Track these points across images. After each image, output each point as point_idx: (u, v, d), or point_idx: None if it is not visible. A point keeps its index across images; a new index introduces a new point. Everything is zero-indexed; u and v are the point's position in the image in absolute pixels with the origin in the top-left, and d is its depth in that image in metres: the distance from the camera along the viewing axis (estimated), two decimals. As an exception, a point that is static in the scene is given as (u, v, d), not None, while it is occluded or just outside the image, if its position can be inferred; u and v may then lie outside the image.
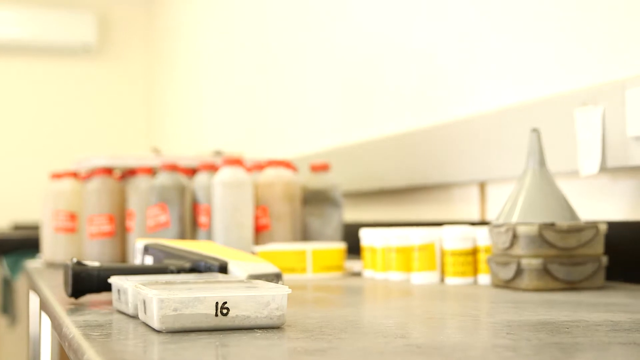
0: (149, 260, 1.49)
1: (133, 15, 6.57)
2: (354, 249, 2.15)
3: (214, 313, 1.01)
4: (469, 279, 1.62)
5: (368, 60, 2.70)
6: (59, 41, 6.18)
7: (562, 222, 1.47)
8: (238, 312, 1.02)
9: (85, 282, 1.33)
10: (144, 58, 6.47)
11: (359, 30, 2.77)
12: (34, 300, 2.74)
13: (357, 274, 1.89)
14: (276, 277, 1.41)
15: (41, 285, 1.74)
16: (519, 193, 1.53)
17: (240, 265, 1.39)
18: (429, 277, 1.65)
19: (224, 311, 1.01)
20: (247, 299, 1.03)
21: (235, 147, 3.71)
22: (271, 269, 1.44)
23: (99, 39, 6.32)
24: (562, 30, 1.81)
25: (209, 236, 2.09)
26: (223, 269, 1.37)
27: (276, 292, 1.04)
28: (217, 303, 1.01)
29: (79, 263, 1.34)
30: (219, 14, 4.50)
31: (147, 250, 1.50)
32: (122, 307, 1.20)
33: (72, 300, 1.37)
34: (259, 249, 1.86)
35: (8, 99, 6.07)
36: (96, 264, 1.35)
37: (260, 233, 2.09)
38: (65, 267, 1.38)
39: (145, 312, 1.05)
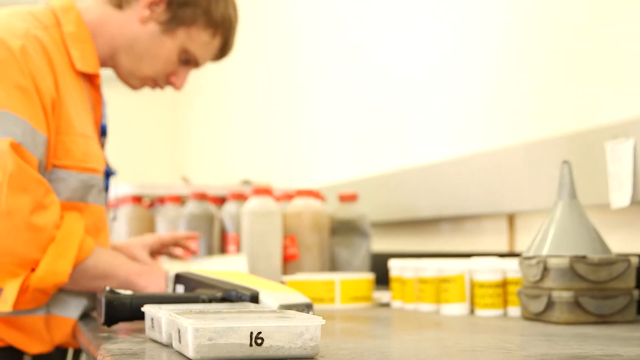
0: (180, 289, 1.50)
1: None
2: (382, 280, 2.15)
3: (249, 343, 1.01)
4: (498, 311, 1.61)
5: (398, 90, 2.71)
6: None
7: (594, 255, 1.46)
8: (272, 342, 1.02)
9: (118, 310, 1.34)
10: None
11: (387, 59, 2.78)
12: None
13: (386, 305, 1.89)
14: (307, 308, 1.42)
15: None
16: (549, 225, 1.52)
17: (272, 295, 1.39)
18: (459, 309, 1.65)
19: (259, 341, 1.02)
20: (281, 329, 1.03)
21: (263, 176, 3.73)
22: (302, 299, 1.44)
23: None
24: (592, 64, 1.81)
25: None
26: (254, 298, 1.37)
27: (310, 323, 1.04)
28: (251, 333, 1.02)
29: (112, 291, 1.35)
30: (245, 43, 4.54)
31: (178, 279, 1.51)
32: (155, 335, 1.21)
33: (105, 327, 1.38)
34: (288, 278, 1.87)
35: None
36: (129, 292, 1.36)
37: (288, 263, 2.09)
38: (98, 295, 1.39)
39: (180, 341, 1.06)
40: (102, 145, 1.83)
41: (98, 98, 1.80)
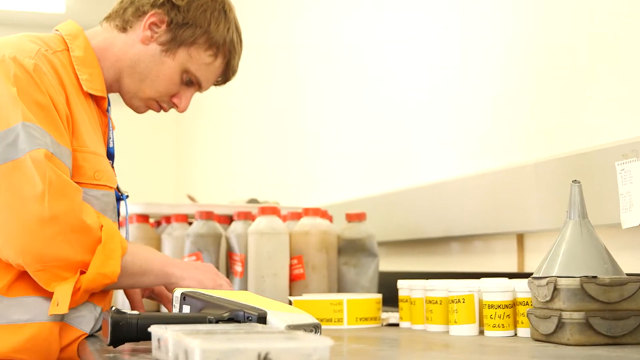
0: (186, 309, 1.48)
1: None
2: (390, 300, 2.13)
3: (256, 364, 1.00)
4: (508, 332, 1.60)
5: (405, 109, 2.70)
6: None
7: (604, 276, 1.44)
8: (280, 364, 1.01)
9: (125, 331, 1.33)
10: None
11: (394, 79, 2.78)
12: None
13: (394, 325, 1.87)
14: (315, 328, 1.40)
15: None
16: (559, 245, 1.51)
17: (279, 315, 1.38)
18: (468, 330, 1.63)
19: (266, 362, 1.00)
20: (289, 351, 1.02)
21: (269, 196, 3.72)
22: (310, 319, 1.42)
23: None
24: (603, 83, 1.80)
25: (244, 285, 2.08)
26: (262, 319, 1.36)
27: (318, 344, 1.03)
28: (259, 354, 1.00)
29: (118, 311, 1.34)
30: (251, 59, 4.54)
31: (184, 299, 1.50)
32: (162, 356, 1.19)
33: (111, 348, 1.37)
34: (295, 298, 1.85)
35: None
36: (135, 312, 1.35)
37: (295, 282, 2.08)
38: (104, 315, 1.38)
39: (186, 362, 1.04)
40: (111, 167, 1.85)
41: (105, 121, 1.83)
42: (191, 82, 1.87)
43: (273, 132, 4.20)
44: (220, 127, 5.37)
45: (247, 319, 1.37)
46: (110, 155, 1.84)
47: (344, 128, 3.20)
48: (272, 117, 4.23)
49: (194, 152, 6.12)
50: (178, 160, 6.55)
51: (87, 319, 1.65)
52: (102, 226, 1.58)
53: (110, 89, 1.85)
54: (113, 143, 1.85)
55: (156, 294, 1.87)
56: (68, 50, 1.75)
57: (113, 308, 1.35)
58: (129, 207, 2.32)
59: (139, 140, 6.54)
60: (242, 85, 4.75)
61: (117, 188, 1.87)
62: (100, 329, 1.70)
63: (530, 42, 2.06)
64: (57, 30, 1.80)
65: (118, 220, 1.84)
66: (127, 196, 1.91)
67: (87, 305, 1.65)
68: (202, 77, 1.87)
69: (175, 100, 1.89)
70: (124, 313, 1.34)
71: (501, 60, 2.17)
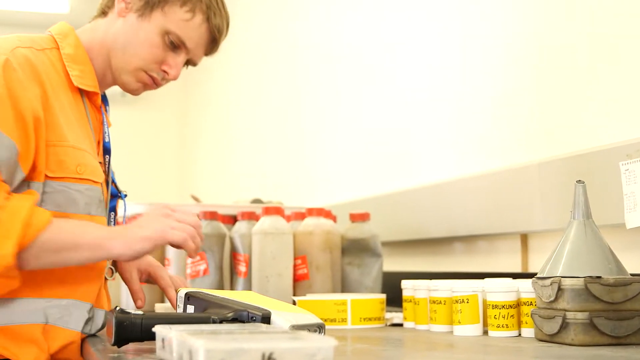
0: (190, 309, 1.48)
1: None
2: (393, 300, 2.13)
3: (261, 364, 1.00)
4: (512, 332, 1.60)
5: (409, 109, 2.70)
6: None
7: (608, 276, 1.44)
8: (284, 364, 1.01)
9: (129, 331, 1.33)
10: (178, 104, 6.52)
11: (397, 79, 2.78)
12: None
13: (398, 325, 1.87)
14: (319, 328, 1.40)
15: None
16: (563, 245, 1.51)
17: (284, 315, 1.38)
18: (472, 330, 1.63)
19: (271, 362, 1.01)
20: (294, 351, 1.02)
21: (273, 196, 3.72)
22: (314, 319, 1.43)
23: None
24: (606, 83, 1.80)
25: (248, 285, 2.09)
26: (266, 319, 1.36)
27: (322, 344, 1.03)
28: (263, 354, 1.00)
29: (122, 311, 1.34)
30: (254, 61, 4.54)
31: (188, 299, 1.50)
32: (166, 355, 1.19)
33: (115, 348, 1.37)
34: (299, 298, 1.85)
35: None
36: (139, 312, 1.35)
37: (299, 283, 2.08)
38: (108, 315, 1.38)
39: (191, 362, 1.04)
40: (107, 163, 1.84)
41: (99, 117, 1.83)
42: (176, 46, 1.82)
43: (277, 132, 4.20)
44: (224, 127, 5.37)
45: (251, 319, 1.37)
46: (107, 150, 1.83)
47: (348, 128, 3.20)
48: (275, 117, 4.23)
49: (198, 152, 6.12)
50: (182, 161, 6.55)
51: (74, 318, 1.64)
52: (3, 207, 1.49)
53: (104, 80, 1.84)
54: (109, 138, 1.84)
55: (152, 278, 1.87)
56: (58, 48, 1.76)
57: (117, 308, 1.35)
58: (133, 208, 2.33)
59: (143, 141, 6.54)
60: (246, 85, 4.76)
61: (116, 186, 1.87)
62: (103, 326, 1.70)
63: (535, 41, 2.06)
64: (49, 31, 1.82)
65: (110, 215, 1.81)
66: (126, 195, 1.89)
67: (70, 303, 1.64)
68: (184, 35, 1.82)
69: (164, 67, 1.84)
70: (128, 313, 1.34)
71: (504, 60, 2.17)
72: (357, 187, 3.07)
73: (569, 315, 1.42)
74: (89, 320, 1.67)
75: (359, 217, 2.20)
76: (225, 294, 1.47)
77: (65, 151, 1.65)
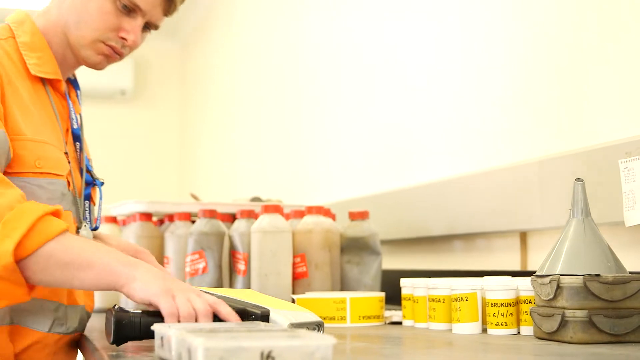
0: None
1: (168, 60, 6.64)
2: (393, 298, 2.13)
3: (259, 362, 1.00)
4: (511, 330, 1.60)
5: (408, 107, 2.70)
6: (98, 86, 6.26)
7: (607, 274, 1.44)
8: (283, 362, 1.01)
9: (128, 329, 1.33)
10: (178, 103, 6.52)
11: (398, 76, 2.78)
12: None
13: (397, 324, 1.87)
14: (318, 326, 1.40)
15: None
16: (562, 243, 1.51)
17: (282, 313, 1.38)
18: (471, 328, 1.63)
19: (269, 360, 1.01)
20: (292, 349, 1.02)
21: (272, 194, 3.72)
22: (313, 317, 1.42)
23: (135, 83, 6.39)
24: (605, 81, 1.80)
25: (247, 283, 2.09)
26: (265, 317, 1.36)
27: (321, 342, 1.03)
28: (262, 352, 1.00)
29: (121, 310, 1.34)
30: (254, 60, 4.54)
31: None
32: (165, 354, 1.19)
33: (114, 347, 1.37)
34: (298, 297, 1.85)
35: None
36: (138, 310, 1.35)
37: (298, 281, 2.08)
38: (107, 313, 1.38)
39: (189, 361, 1.05)
40: (78, 150, 1.78)
41: (65, 104, 1.77)
42: (130, 9, 1.74)
43: (276, 130, 4.20)
44: (224, 126, 5.37)
45: (250, 317, 1.37)
46: (76, 137, 1.77)
47: (347, 126, 3.20)
48: (275, 116, 4.23)
49: (198, 150, 6.12)
50: (181, 159, 6.55)
51: (40, 318, 1.61)
52: (13, 208, 1.41)
53: (66, 62, 1.78)
54: (78, 124, 1.78)
55: None
56: (14, 37, 1.71)
57: (116, 306, 1.35)
58: (132, 206, 2.33)
59: (143, 139, 6.54)
60: (245, 83, 4.76)
61: (91, 174, 1.80)
62: (81, 324, 1.67)
63: (534, 40, 2.06)
64: (6, 21, 1.76)
65: (85, 204, 1.73)
66: (103, 183, 1.81)
67: (38, 302, 1.61)
68: None
69: (122, 34, 1.75)
70: (127, 312, 1.34)
71: (504, 59, 2.17)
72: (356, 186, 3.07)
73: (568, 313, 1.42)
74: (57, 320, 1.63)
75: (358, 216, 2.20)
76: (224, 292, 1.47)
77: (23, 145, 1.59)
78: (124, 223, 2.42)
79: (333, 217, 2.25)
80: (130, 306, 1.54)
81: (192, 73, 6.25)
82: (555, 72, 1.97)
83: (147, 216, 2.32)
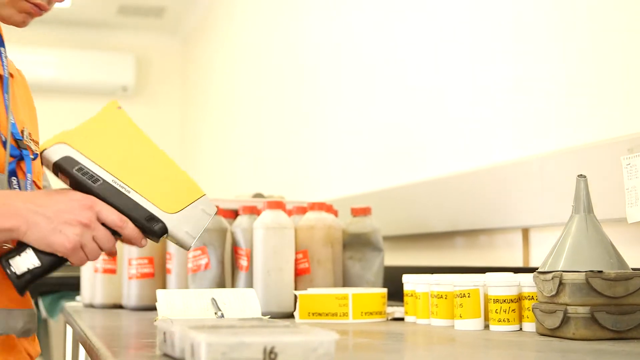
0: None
1: (169, 57, 6.64)
2: (395, 294, 2.14)
3: (262, 358, 1.00)
4: (513, 327, 1.60)
5: (410, 103, 2.70)
6: (99, 82, 6.26)
7: (610, 270, 1.44)
8: (286, 357, 1.01)
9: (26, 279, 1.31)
10: (180, 99, 6.53)
11: (399, 72, 2.77)
12: (71, 342, 2.74)
13: (399, 320, 1.87)
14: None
15: (83, 327, 1.74)
16: (565, 240, 1.51)
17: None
18: (473, 324, 1.63)
19: (272, 356, 1.01)
20: (295, 345, 1.02)
21: (275, 190, 3.72)
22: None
23: (136, 80, 6.40)
24: (608, 77, 1.80)
25: (249, 279, 2.09)
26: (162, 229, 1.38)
27: (324, 338, 1.03)
28: (265, 348, 1.00)
29: (6, 260, 1.31)
30: (255, 56, 4.54)
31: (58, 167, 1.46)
32: (168, 350, 1.20)
33: (115, 343, 1.37)
34: (300, 293, 1.85)
35: (47, 139, 6.14)
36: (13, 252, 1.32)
37: (300, 277, 2.08)
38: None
39: (192, 356, 1.05)
40: (7, 113, 1.63)
41: None
42: None
43: (277, 127, 4.20)
44: (225, 122, 5.37)
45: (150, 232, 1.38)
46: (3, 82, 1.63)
47: (350, 123, 3.20)
48: (276, 113, 4.23)
49: (199, 147, 6.12)
50: (183, 156, 6.55)
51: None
52: None
53: None
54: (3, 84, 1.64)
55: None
56: None
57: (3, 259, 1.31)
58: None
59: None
60: (247, 79, 4.76)
61: (17, 145, 1.64)
62: (26, 325, 1.60)
63: (536, 36, 2.06)
64: None
65: (10, 180, 1.59)
66: (36, 156, 1.66)
67: None
68: None
69: None
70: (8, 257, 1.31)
71: (506, 55, 2.17)
72: (359, 182, 3.07)
73: (570, 309, 1.42)
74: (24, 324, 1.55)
75: (361, 212, 2.20)
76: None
77: None
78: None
79: (335, 213, 2.25)
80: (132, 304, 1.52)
81: (194, 69, 6.25)
82: (557, 68, 1.97)
83: (149, 212, 2.31)
